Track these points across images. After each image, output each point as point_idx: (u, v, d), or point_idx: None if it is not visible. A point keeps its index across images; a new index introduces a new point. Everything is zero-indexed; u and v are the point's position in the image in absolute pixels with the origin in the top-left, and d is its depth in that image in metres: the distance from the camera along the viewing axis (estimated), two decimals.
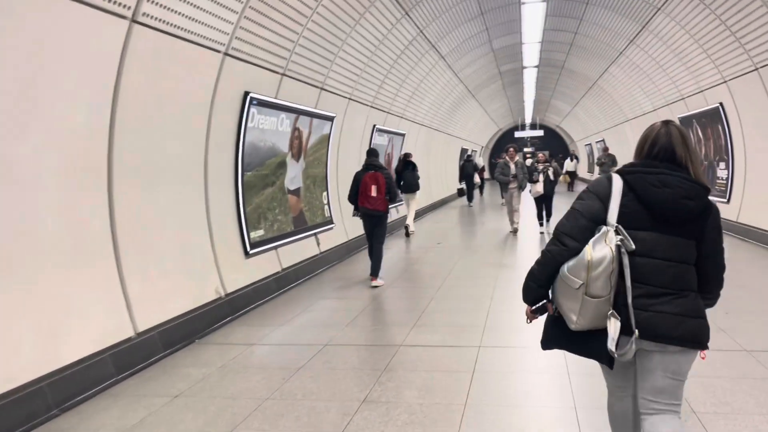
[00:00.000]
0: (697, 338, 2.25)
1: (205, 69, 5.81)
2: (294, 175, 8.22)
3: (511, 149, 11.87)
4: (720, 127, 11.17)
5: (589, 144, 30.53)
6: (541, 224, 11.92)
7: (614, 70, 16.62)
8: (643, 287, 2.24)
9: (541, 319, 2.57)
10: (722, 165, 11.37)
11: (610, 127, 23.37)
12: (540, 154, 12.82)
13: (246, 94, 6.56)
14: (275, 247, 7.49)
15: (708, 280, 2.33)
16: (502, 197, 14.43)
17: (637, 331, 2.21)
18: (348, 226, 10.25)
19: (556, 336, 2.44)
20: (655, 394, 2.31)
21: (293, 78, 7.71)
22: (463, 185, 21.15)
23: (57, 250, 4.14)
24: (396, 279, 7.98)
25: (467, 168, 20.77)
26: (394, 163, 13.81)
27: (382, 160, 9.14)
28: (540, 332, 2.55)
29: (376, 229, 7.63)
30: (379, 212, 7.51)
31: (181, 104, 5.56)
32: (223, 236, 6.32)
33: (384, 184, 7.40)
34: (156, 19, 4.80)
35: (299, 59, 7.64)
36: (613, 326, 2.23)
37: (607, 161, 18.31)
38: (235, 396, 4.10)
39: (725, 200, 10.99)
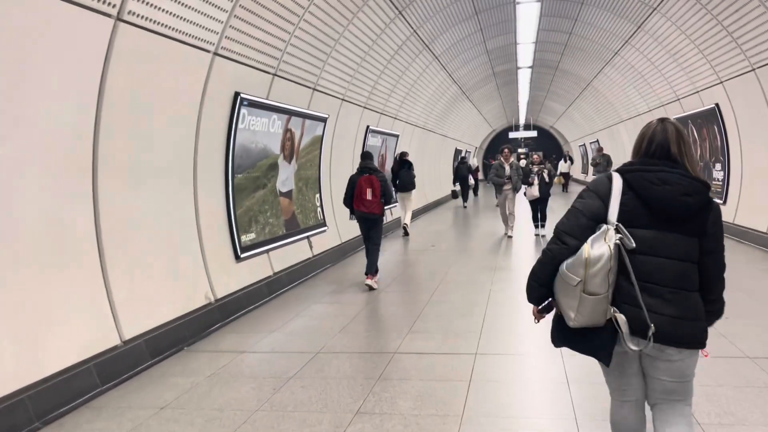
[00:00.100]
0: (695, 339, 2.26)
1: (194, 69, 5.67)
2: (286, 177, 8.08)
3: (506, 150, 11.72)
4: (716, 128, 11.10)
5: (583, 144, 30.52)
6: (537, 227, 11.80)
7: (609, 71, 16.56)
8: (645, 285, 2.23)
9: (549, 319, 2.53)
10: (718, 166, 11.31)
11: (604, 128, 23.34)
12: (535, 156, 12.69)
13: (236, 94, 6.42)
14: (267, 251, 7.35)
15: (709, 278, 2.31)
16: (497, 198, 14.31)
17: (653, 325, 2.18)
18: (341, 228, 10.11)
19: (560, 333, 2.43)
20: (666, 394, 2.37)
21: (285, 78, 7.57)
22: (458, 187, 21.09)
23: (38, 253, 3.99)
24: (390, 283, 7.84)
25: (461, 170, 20.75)
26: (388, 165, 13.74)
27: (375, 162, 9.04)
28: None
29: (373, 232, 7.61)
30: (374, 215, 7.50)
31: (170, 105, 5.41)
32: (213, 240, 6.18)
33: (379, 187, 7.39)
34: (142, 17, 4.65)
35: (291, 59, 7.51)
36: (622, 322, 2.22)
37: (601, 162, 18.27)
38: (224, 407, 3.95)
39: (721, 201, 10.92)
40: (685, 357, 2.28)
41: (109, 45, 4.43)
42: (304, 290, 7.66)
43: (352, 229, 9.97)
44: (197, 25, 5.37)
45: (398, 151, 13.59)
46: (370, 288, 7.35)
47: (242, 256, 6.68)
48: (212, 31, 5.64)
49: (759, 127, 9.58)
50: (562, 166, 26.11)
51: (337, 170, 10.22)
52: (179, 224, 5.68)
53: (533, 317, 2.56)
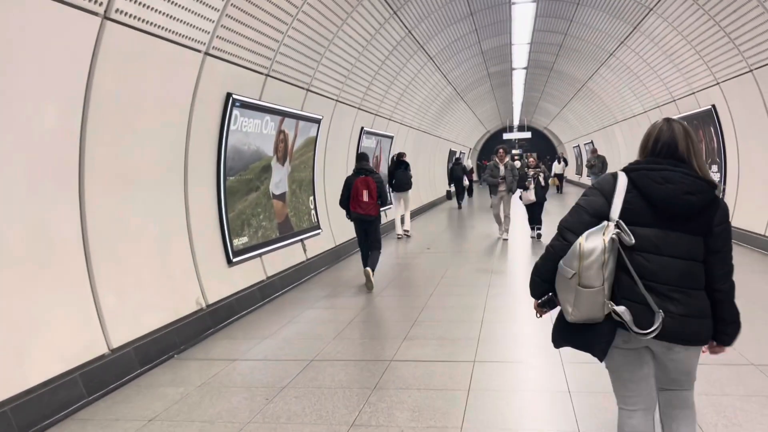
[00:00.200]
0: (700, 336, 2.28)
1: (185, 69, 5.53)
2: (279, 180, 7.94)
3: (501, 150, 11.61)
4: (712, 129, 11.03)
5: (578, 146, 30.50)
6: (533, 229, 11.67)
7: (604, 72, 16.49)
8: (651, 284, 2.23)
9: (549, 318, 2.48)
10: (714, 168, 11.24)
11: (599, 129, 23.30)
12: (531, 159, 12.58)
13: (228, 95, 6.28)
14: (260, 255, 7.21)
15: (714, 279, 2.29)
16: (491, 199, 14.20)
17: (660, 311, 2.19)
18: (335, 231, 9.98)
19: (560, 333, 2.44)
20: (670, 383, 2.45)
21: (278, 79, 7.44)
22: (452, 188, 21.03)
23: (21, 259, 3.83)
24: (386, 286, 7.71)
25: (456, 171, 20.67)
26: (382, 166, 13.65)
27: (370, 164, 8.92)
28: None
29: (371, 235, 7.59)
30: (371, 217, 7.50)
31: (159, 105, 5.27)
32: (204, 244, 6.03)
33: (375, 188, 7.36)
34: (130, 16, 4.51)
35: (284, 59, 7.37)
36: (622, 311, 2.22)
37: (596, 163, 18.23)
38: (215, 419, 3.81)
39: None
40: (691, 354, 2.33)
41: (96, 44, 4.29)
42: (297, 294, 7.52)
43: (346, 232, 9.84)
44: (187, 24, 5.23)
45: (394, 153, 13.50)
46: (369, 279, 7.31)
47: (234, 260, 6.54)
48: (203, 30, 5.50)
49: (756, 129, 9.51)
50: (556, 168, 26.09)
51: (331, 172, 10.09)
52: (169, 228, 5.53)
53: (534, 311, 2.57)
